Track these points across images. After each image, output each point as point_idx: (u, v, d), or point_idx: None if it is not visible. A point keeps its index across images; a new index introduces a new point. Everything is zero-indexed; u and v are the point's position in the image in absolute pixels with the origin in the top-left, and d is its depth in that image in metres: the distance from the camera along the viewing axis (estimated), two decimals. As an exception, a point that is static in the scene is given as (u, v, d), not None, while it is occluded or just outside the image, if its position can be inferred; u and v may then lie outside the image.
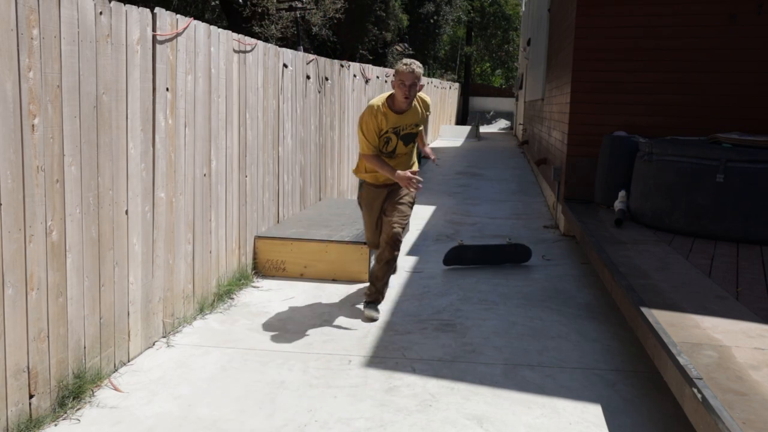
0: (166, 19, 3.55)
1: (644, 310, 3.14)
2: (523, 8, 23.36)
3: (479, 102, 31.35)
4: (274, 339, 3.77)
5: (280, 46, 8.31)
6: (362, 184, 4.34)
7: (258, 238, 5.09)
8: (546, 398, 3.09)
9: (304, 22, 18.31)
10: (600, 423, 2.87)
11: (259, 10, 18.11)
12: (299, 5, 16.22)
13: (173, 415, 2.86)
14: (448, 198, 9.07)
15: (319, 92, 7.18)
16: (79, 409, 2.88)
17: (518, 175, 11.84)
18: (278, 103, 5.57)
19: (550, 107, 9.09)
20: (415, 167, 4.32)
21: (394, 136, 4.10)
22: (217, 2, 19.62)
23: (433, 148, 16.47)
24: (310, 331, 3.91)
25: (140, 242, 3.41)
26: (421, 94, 4.21)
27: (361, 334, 3.87)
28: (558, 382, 3.26)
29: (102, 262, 3.09)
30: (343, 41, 20.65)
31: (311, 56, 6.91)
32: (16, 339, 2.54)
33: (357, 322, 4.08)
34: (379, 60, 20.89)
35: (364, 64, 9.26)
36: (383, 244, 4.17)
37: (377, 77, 11.09)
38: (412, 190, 4.01)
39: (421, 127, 4.28)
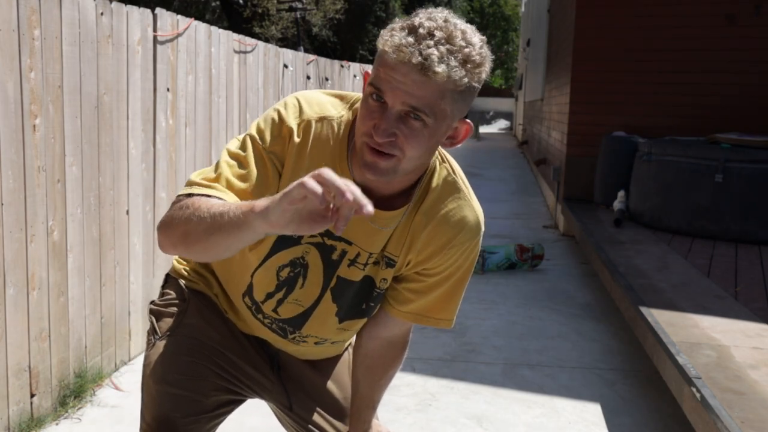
0: (167, 19, 3.56)
1: (643, 309, 3.15)
2: (523, 9, 23.39)
3: (479, 102, 31.34)
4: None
5: (280, 46, 8.32)
6: (177, 285, 1.54)
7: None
8: (545, 397, 3.10)
9: (304, 23, 18.32)
10: (599, 422, 2.88)
11: (260, 11, 18.13)
12: (299, 6, 16.25)
13: (174, 415, 2.87)
14: (448, 198, 9.07)
15: (319, 92, 7.19)
16: (80, 408, 2.89)
17: (518, 175, 11.85)
18: (278, 103, 5.59)
19: (549, 107, 9.10)
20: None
21: (314, 251, 1.34)
22: (218, 3, 19.64)
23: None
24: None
25: (141, 242, 3.42)
26: (457, 180, 1.35)
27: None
28: (557, 382, 3.27)
29: (103, 261, 3.10)
30: (343, 41, 20.67)
31: (311, 56, 6.93)
32: (17, 338, 2.55)
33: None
34: (379, 60, 20.88)
35: (364, 65, 9.27)
36: None
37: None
38: None
39: (413, 302, 1.42)
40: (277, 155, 1.26)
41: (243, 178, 1.23)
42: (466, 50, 1.11)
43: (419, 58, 1.08)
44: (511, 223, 7.30)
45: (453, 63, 1.10)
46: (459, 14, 1.21)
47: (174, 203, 1.21)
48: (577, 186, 6.53)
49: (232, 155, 1.27)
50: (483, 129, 27.62)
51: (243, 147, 1.27)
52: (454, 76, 1.10)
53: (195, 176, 1.26)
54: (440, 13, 1.14)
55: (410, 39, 1.09)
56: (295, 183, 0.96)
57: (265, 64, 5.24)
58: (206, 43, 4.06)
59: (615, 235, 4.94)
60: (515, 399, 3.08)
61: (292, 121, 1.26)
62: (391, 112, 1.12)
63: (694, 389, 2.33)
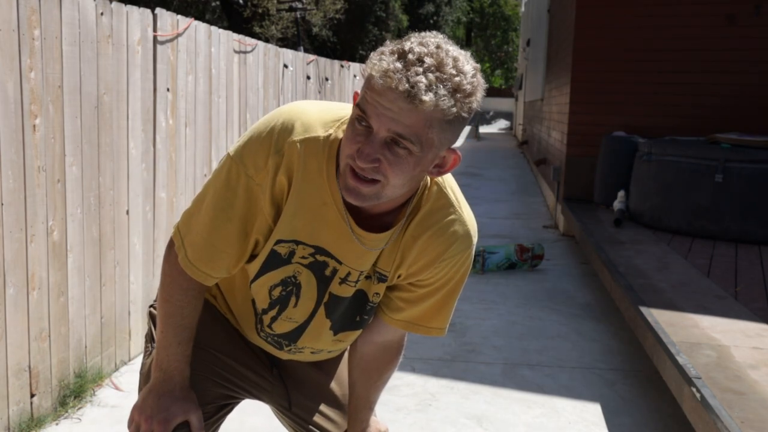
0: (167, 19, 3.56)
1: (643, 309, 3.15)
2: (523, 9, 23.39)
3: (479, 102, 31.19)
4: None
5: (280, 46, 8.32)
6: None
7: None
8: (545, 397, 3.10)
9: (304, 23, 18.31)
10: (599, 422, 2.88)
11: (260, 11, 18.13)
12: (299, 6, 16.24)
13: (174, 415, 2.87)
14: (448, 198, 9.06)
15: (319, 93, 7.19)
16: (80, 408, 2.89)
17: (518, 175, 11.85)
18: (279, 103, 5.58)
19: (549, 107, 9.10)
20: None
21: (307, 272, 1.34)
22: (218, 3, 19.63)
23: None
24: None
25: (141, 242, 3.42)
26: (446, 191, 1.32)
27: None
28: (557, 382, 3.27)
29: (103, 261, 3.10)
30: (343, 41, 20.69)
31: (311, 56, 6.93)
32: (17, 338, 2.55)
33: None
34: (379, 60, 20.86)
35: (364, 65, 9.27)
36: None
37: (377, 77, 11.06)
38: None
39: (404, 311, 1.42)
40: (263, 186, 1.25)
41: (227, 223, 1.27)
42: (456, 79, 1.08)
43: (406, 85, 1.05)
44: (511, 223, 7.30)
45: (441, 92, 1.06)
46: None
47: (170, 251, 1.35)
48: (577, 186, 6.53)
49: (218, 196, 1.27)
50: (483, 129, 27.59)
51: (228, 182, 1.26)
52: (442, 105, 1.07)
53: (184, 230, 1.33)
54: (433, 38, 1.11)
55: (398, 65, 1.06)
56: (139, 413, 1.37)
57: (265, 64, 5.24)
58: (206, 43, 4.06)
59: (615, 235, 4.94)
60: (515, 399, 3.08)
61: (275, 152, 1.22)
62: (376, 137, 1.10)
63: (694, 389, 2.33)
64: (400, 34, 22.25)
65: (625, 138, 5.91)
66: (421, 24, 23.46)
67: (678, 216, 4.98)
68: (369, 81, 1.10)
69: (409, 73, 1.06)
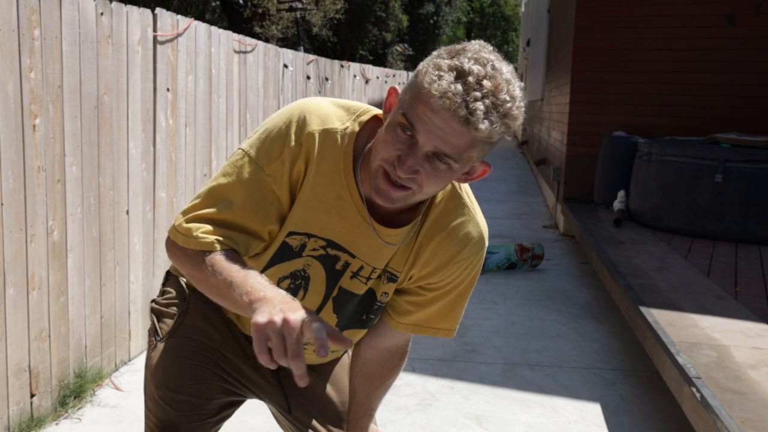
0: (167, 19, 3.56)
1: (643, 309, 3.15)
2: (523, 9, 23.39)
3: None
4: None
5: (280, 46, 8.32)
6: (177, 284, 1.55)
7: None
8: (545, 397, 3.10)
9: (304, 23, 18.33)
10: (599, 422, 2.88)
11: (260, 11, 18.14)
12: (300, 6, 16.24)
13: (174, 415, 2.87)
14: (448, 198, 9.06)
15: (319, 93, 7.20)
16: (80, 408, 2.89)
17: (518, 175, 11.84)
18: (279, 103, 5.58)
19: (549, 107, 9.10)
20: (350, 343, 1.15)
21: (317, 264, 1.33)
22: (218, 3, 19.64)
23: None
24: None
25: (141, 242, 3.42)
26: (465, 197, 1.35)
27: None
28: (557, 382, 3.27)
29: (103, 261, 3.10)
30: (343, 42, 20.69)
31: (311, 56, 6.93)
32: (17, 338, 2.55)
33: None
34: (379, 60, 20.90)
35: (364, 65, 9.27)
36: None
37: (377, 77, 11.12)
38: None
39: (413, 314, 1.43)
40: (276, 177, 1.23)
41: (237, 214, 1.22)
42: (508, 105, 1.09)
43: (465, 111, 1.06)
44: (511, 223, 7.29)
45: (494, 118, 1.08)
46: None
47: (178, 232, 1.22)
48: (577, 186, 6.53)
49: (225, 185, 1.23)
50: (483, 129, 27.55)
51: (240, 172, 1.23)
52: (493, 132, 1.09)
53: (193, 212, 1.23)
54: (487, 54, 1.11)
55: (459, 87, 1.06)
56: (262, 319, 1.01)
57: (265, 64, 5.24)
58: (206, 43, 4.06)
59: (615, 234, 4.94)
60: (515, 399, 3.08)
61: (294, 141, 1.22)
62: (421, 151, 1.11)
63: (694, 389, 2.33)
64: (400, 34, 22.23)
65: (625, 138, 5.91)
66: (421, 24, 23.45)
67: (678, 216, 4.98)
68: (423, 95, 1.09)
69: (468, 98, 1.06)
